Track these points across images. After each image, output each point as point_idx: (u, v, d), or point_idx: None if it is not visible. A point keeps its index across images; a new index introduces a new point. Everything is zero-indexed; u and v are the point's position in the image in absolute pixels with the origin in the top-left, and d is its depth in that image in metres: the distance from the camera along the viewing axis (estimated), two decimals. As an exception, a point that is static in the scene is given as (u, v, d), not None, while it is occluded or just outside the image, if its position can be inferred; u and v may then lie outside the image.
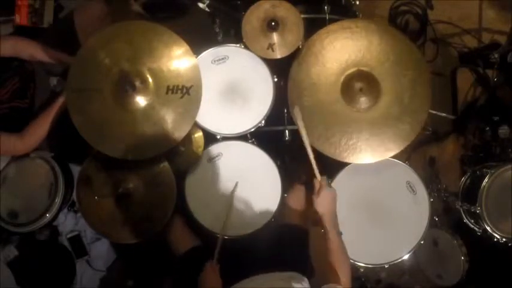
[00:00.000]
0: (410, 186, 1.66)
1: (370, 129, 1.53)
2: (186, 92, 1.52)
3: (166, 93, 1.52)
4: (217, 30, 1.91)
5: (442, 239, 2.07)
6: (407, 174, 1.67)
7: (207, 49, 1.67)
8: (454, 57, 2.47)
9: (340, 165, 1.65)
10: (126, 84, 1.50)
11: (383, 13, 2.47)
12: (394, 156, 1.59)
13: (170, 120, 1.52)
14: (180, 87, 1.52)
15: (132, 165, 1.63)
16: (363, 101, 1.54)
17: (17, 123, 1.69)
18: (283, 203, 1.67)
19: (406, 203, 1.66)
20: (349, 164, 1.63)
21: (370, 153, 1.54)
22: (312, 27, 1.61)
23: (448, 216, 2.25)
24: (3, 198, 1.76)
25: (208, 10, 1.68)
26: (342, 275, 1.31)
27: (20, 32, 2.11)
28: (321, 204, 1.38)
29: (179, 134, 1.53)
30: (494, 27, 2.44)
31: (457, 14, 2.46)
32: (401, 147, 1.53)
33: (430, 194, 1.68)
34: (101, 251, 2.07)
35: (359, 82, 1.54)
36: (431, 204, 1.67)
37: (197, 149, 1.69)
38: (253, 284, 1.34)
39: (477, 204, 1.81)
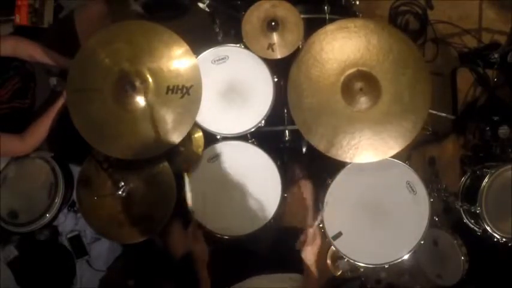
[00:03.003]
0: (410, 186, 1.66)
1: (372, 129, 1.53)
2: (186, 92, 1.52)
3: (166, 93, 1.52)
4: (217, 30, 1.91)
5: (442, 239, 2.07)
6: (407, 174, 1.67)
7: (207, 49, 1.67)
8: (454, 57, 2.46)
9: (340, 165, 1.65)
10: (126, 84, 1.50)
11: (383, 13, 2.47)
12: (394, 156, 1.59)
13: (170, 120, 1.52)
14: (180, 87, 1.52)
15: (132, 165, 1.63)
16: (364, 101, 1.54)
17: (17, 124, 1.69)
18: (283, 203, 1.67)
19: (406, 203, 1.66)
20: (349, 163, 1.63)
21: (373, 152, 1.54)
22: (312, 27, 1.61)
23: (448, 216, 2.24)
24: (3, 198, 1.77)
25: (208, 10, 1.67)
26: None
27: (20, 32, 2.12)
28: (309, 255, 1.45)
29: (179, 134, 1.53)
30: (494, 27, 2.44)
31: (457, 14, 2.46)
32: (404, 145, 1.53)
33: (430, 194, 1.68)
34: (101, 251, 2.07)
35: (359, 82, 1.54)
36: (431, 204, 1.67)
37: (197, 149, 1.69)
38: (254, 284, 1.34)
39: (477, 204, 1.81)
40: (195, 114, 1.54)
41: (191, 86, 1.52)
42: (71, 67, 1.54)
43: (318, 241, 1.46)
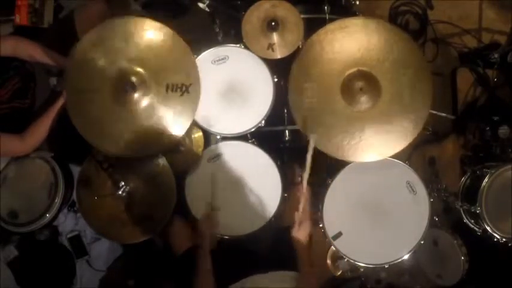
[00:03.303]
0: (410, 186, 1.66)
1: (372, 128, 1.53)
2: (185, 90, 1.52)
3: (166, 91, 1.52)
4: (217, 30, 1.91)
5: (442, 239, 2.07)
6: (407, 174, 1.67)
7: (207, 49, 1.67)
8: (454, 57, 2.46)
9: (341, 165, 1.65)
10: (126, 83, 1.50)
11: (383, 13, 2.47)
12: (394, 156, 1.59)
13: (170, 118, 1.52)
14: (180, 85, 1.52)
15: (132, 165, 1.63)
16: (364, 101, 1.54)
17: (17, 124, 1.69)
18: (283, 203, 1.67)
19: (406, 203, 1.66)
20: (350, 163, 1.63)
21: (373, 152, 1.54)
22: (312, 27, 1.61)
23: (448, 216, 2.24)
24: (3, 198, 1.76)
25: (208, 10, 1.68)
26: None
27: (20, 32, 2.11)
28: (302, 234, 1.43)
29: (179, 132, 1.53)
30: (494, 27, 2.44)
31: (457, 14, 2.46)
32: (404, 145, 1.53)
33: (430, 194, 1.68)
34: (101, 251, 2.07)
35: (359, 81, 1.54)
36: (431, 204, 1.67)
37: (197, 149, 1.69)
38: (254, 283, 1.34)
39: (477, 204, 1.81)
40: (195, 112, 1.54)
41: (190, 84, 1.52)
42: (68, 67, 1.54)
43: (307, 222, 1.47)
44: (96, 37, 1.52)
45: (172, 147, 1.59)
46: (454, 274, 2.02)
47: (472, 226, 1.97)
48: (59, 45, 1.76)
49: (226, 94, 1.67)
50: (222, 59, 1.67)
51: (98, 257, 2.07)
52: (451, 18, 2.45)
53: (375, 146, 1.53)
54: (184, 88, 1.52)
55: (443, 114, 1.73)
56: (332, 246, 1.65)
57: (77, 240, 2.01)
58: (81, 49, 1.52)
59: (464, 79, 2.41)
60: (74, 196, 1.86)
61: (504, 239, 1.81)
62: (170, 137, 1.52)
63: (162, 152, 1.61)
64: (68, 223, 1.99)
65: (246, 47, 1.64)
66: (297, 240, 1.43)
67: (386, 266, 1.66)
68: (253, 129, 1.65)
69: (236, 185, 1.66)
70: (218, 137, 1.67)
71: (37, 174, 1.79)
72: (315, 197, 1.74)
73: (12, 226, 1.77)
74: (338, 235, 1.64)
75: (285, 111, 1.72)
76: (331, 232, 1.64)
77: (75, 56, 1.52)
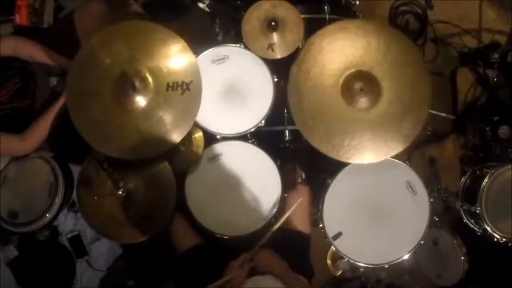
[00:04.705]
0: (410, 186, 1.66)
1: (372, 129, 1.53)
2: (186, 88, 1.52)
3: (167, 90, 1.52)
4: (217, 30, 1.91)
5: (442, 239, 2.07)
6: (407, 174, 1.67)
7: (207, 49, 1.67)
8: (454, 57, 2.47)
9: (340, 165, 1.65)
10: (126, 84, 1.50)
11: (383, 13, 2.47)
12: (394, 156, 1.58)
13: (172, 117, 1.51)
14: (180, 83, 1.51)
15: (132, 165, 1.63)
16: (364, 101, 1.54)
17: (17, 124, 1.70)
18: (283, 203, 1.67)
19: (406, 203, 1.66)
20: (349, 163, 1.63)
21: (373, 152, 1.53)
22: (312, 27, 1.61)
23: (448, 216, 2.24)
24: (3, 198, 1.77)
25: (208, 10, 1.67)
26: None
27: (20, 32, 2.12)
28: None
29: (182, 130, 1.52)
30: (494, 27, 2.44)
31: (457, 14, 2.46)
32: (405, 146, 1.53)
33: (430, 194, 1.68)
34: (101, 251, 2.07)
35: (359, 82, 1.54)
36: (431, 204, 1.67)
37: (197, 149, 1.68)
38: (255, 283, 1.34)
39: (477, 204, 1.81)
40: (197, 109, 1.53)
41: (191, 82, 1.52)
42: (70, 68, 1.54)
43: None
44: (100, 40, 1.52)
45: (172, 148, 1.59)
46: (454, 274, 2.02)
47: (472, 226, 1.97)
48: (59, 45, 1.76)
49: (226, 94, 1.67)
50: (222, 58, 1.67)
51: (98, 257, 2.07)
52: (451, 18, 2.45)
53: (376, 146, 1.53)
54: (185, 86, 1.51)
55: (443, 114, 1.73)
56: (332, 246, 1.65)
57: (77, 240, 2.01)
58: (86, 49, 1.53)
59: (464, 79, 2.41)
60: (74, 196, 1.86)
61: (504, 239, 1.81)
62: (173, 136, 1.52)
63: (162, 154, 1.60)
64: (68, 223, 1.99)
65: (246, 47, 1.64)
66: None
67: (386, 266, 1.66)
68: (253, 129, 1.65)
69: (236, 185, 1.66)
70: (218, 136, 1.67)
71: (37, 174, 1.79)
72: (315, 197, 1.75)
73: (12, 226, 1.77)
74: (338, 235, 1.64)
75: (285, 111, 1.72)
76: (331, 232, 1.64)
77: (80, 58, 1.52)
